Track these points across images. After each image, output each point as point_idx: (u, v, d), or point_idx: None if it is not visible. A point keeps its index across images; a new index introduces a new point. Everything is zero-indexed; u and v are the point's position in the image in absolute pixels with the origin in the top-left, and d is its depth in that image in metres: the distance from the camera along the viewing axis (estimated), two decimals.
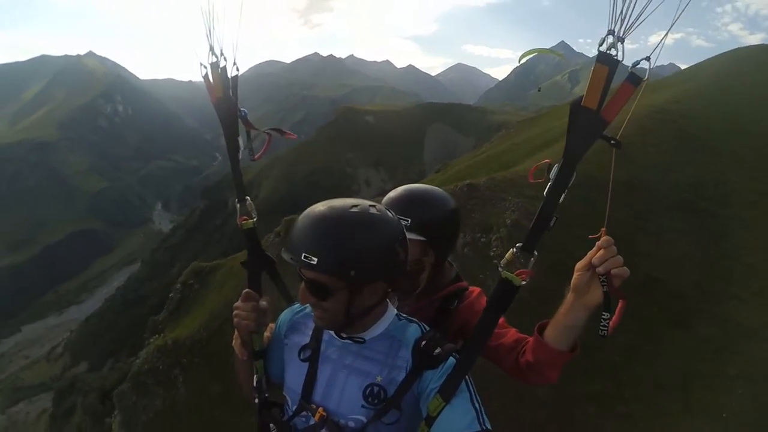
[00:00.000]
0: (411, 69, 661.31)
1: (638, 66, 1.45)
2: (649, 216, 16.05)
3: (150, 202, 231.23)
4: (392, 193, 2.41)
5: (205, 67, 2.10)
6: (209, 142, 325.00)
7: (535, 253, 1.70)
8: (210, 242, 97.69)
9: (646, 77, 1.44)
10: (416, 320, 2.00)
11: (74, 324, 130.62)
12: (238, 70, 2.08)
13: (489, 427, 1.71)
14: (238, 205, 2.19)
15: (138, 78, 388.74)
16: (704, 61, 43.34)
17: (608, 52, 1.45)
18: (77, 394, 73.57)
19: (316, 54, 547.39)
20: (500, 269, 1.75)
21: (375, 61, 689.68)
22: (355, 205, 1.75)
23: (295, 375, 2.04)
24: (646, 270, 13.29)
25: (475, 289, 2.52)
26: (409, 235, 2.03)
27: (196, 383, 21.21)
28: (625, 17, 1.44)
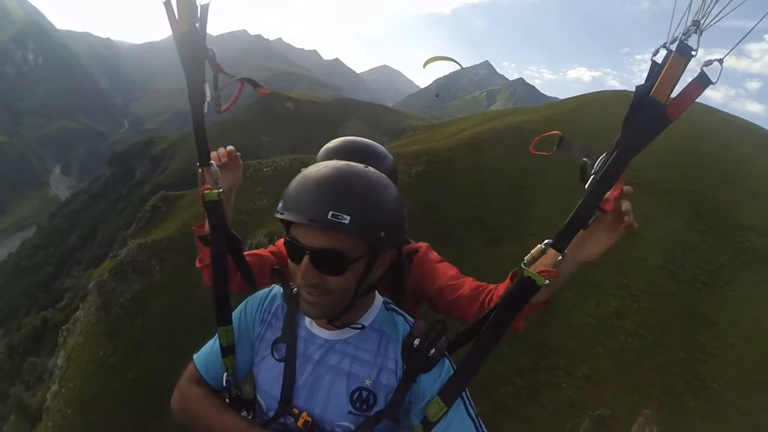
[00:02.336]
0: (337, 63, 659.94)
1: (710, 67, 1.31)
2: None
3: (49, 164, 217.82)
4: (335, 145, 2.32)
5: None
6: (119, 107, 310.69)
7: (565, 252, 1.59)
8: (113, 212, 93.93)
9: (716, 80, 1.32)
10: (400, 310, 1.85)
11: None
12: None
13: None
14: (200, 171, 1.86)
15: (55, 27, 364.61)
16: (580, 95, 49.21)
17: (687, 43, 1.34)
18: None
19: (244, 31, 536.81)
20: (523, 265, 1.63)
21: (302, 49, 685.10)
22: (363, 166, 1.63)
23: (269, 376, 1.81)
24: None
25: (422, 245, 2.43)
26: None
27: (172, 270, 25.28)
28: (708, 7, 1.34)
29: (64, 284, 63.41)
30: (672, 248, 21.82)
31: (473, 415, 1.64)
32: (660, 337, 18.07)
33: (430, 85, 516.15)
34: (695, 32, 1.35)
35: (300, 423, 1.68)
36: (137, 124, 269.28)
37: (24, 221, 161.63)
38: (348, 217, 1.44)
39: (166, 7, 1.66)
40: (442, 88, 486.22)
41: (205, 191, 1.82)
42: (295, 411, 1.70)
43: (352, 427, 1.68)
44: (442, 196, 25.49)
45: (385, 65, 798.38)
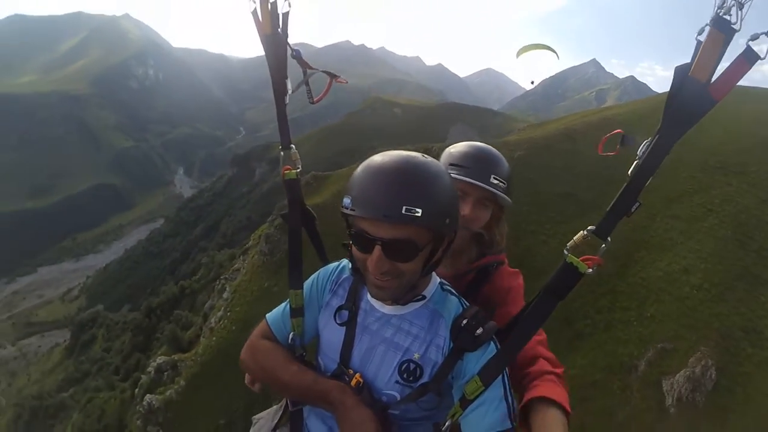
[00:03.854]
0: (439, 68, 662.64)
1: (757, 40, 1.24)
2: None
3: (172, 166, 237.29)
4: (474, 153, 2.27)
5: (254, 2, 1.88)
6: (234, 115, 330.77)
7: (609, 240, 1.55)
8: (234, 207, 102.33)
9: (765, 56, 1.24)
10: (456, 293, 1.92)
11: (90, 271, 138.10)
12: (290, 5, 1.87)
13: (515, 424, 1.65)
14: (281, 154, 2.05)
15: (171, 45, 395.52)
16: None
17: (725, 17, 1.26)
18: (98, 327, 78.96)
19: (347, 42, 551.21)
20: (565, 252, 1.61)
21: (405, 56, 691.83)
22: (421, 155, 1.68)
23: (331, 339, 1.94)
24: None
25: (510, 269, 2.33)
26: (496, 190, 2.16)
27: (324, 226, 33.21)
28: None
29: (200, 260, 70.37)
30: (743, 222, 23.90)
31: (509, 399, 1.67)
32: (722, 292, 20.50)
33: (536, 86, 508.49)
34: (734, 5, 1.26)
35: (353, 383, 1.78)
36: (253, 130, 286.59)
37: (150, 215, 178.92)
38: (420, 210, 1.51)
39: (253, 16, 1.89)
40: (549, 89, 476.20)
41: (285, 171, 2.03)
42: (351, 372, 1.82)
43: (398, 396, 1.77)
44: (540, 174, 29.01)
45: (488, 68, 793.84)
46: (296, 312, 1.99)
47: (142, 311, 58.37)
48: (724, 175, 26.62)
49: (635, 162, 1.47)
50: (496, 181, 2.15)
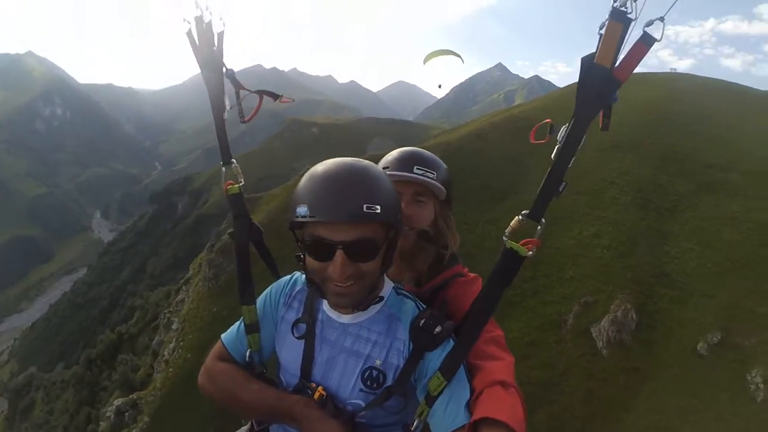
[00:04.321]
0: (353, 84, 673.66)
1: (652, 26, 1.36)
2: None
3: (88, 210, 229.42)
4: (399, 153, 2.24)
5: (189, 23, 1.91)
6: (147, 150, 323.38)
7: (543, 221, 1.60)
8: (159, 245, 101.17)
9: (660, 38, 1.36)
10: (411, 296, 1.91)
11: (16, 332, 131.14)
12: (224, 25, 1.93)
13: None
14: (223, 169, 2.06)
15: (77, 81, 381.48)
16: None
17: (621, 9, 1.37)
18: (35, 390, 76.84)
19: (259, 66, 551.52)
20: (504, 238, 1.64)
21: (318, 76, 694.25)
22: (356, 159, 1.71)
23: (290, 354, 1.93)
24: None
25: (471, 275, 2.21)
26: (425, 178, 2.09)
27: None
28: None
29: (132, 303, 69.29)
30: (641, 188, 27.52)
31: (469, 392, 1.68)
32: (630, 248, 23.79)
33: (447, 93, 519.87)
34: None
35: (316, 396, 1.78)
36: (168, 164, 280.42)
37: (70, 264, 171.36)
38: (379, 207, 1.55)
39: (188, 36, 1.94)
40: (460, 94, 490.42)
41: (228, 186, 2.06)
42: (313, 385, 1.82)
43: (363, 404, 1.78)
44: (456, 172, 32.45)
45: (400, 81, 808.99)
46: (251, 328, 2.02)
47: (81, 364, 56.88)
48: (619, 152, 30.05)
49: (557, 146, 1.55)
50: (421, 171, 2.13)
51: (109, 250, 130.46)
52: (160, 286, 66.62)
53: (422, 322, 1.75)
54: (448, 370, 1.67)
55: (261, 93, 2.10)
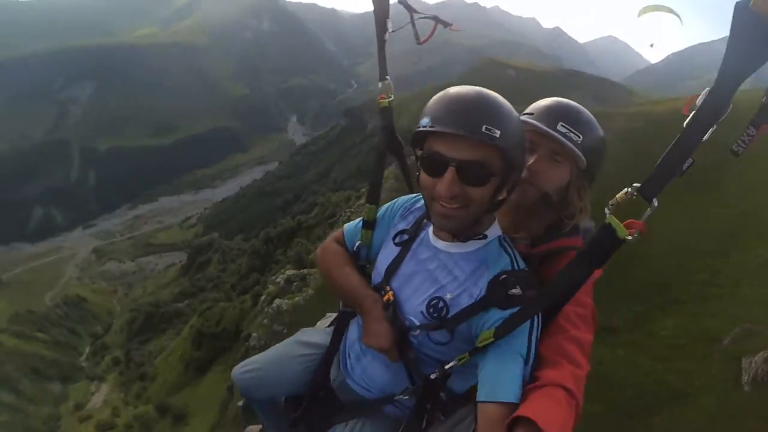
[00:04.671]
0: (557, 31, 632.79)
1: None
2: None
3: (286, 114, 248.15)
4: (549, 102, 2.07)
5: None
6: (346, 68, 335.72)
7: (655, 202, 1.42)
8: (346, 156, 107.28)
9: None
10: (513, 252, 1.84)
11: (207, 203, 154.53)
12: None
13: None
14: (380, 84, 2.19)
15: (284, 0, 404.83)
16: None
17: None
18: (213, 252, 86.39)
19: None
20: (607, 210, 1.50)
21: (520, 17, 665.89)
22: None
23: (384, 256, 2.08)
24: None
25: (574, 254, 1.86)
26: (564, 139, 1.92)
27: None
28: None
29: (314, 200, 74.02)
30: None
31: (526, 356, 1.65)
32: None
33: (661, 60, 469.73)
34: None
35: (385, 298, 1.92)
36: (364, 84, 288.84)
37: (264, 158, 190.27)
38: (498, 132, 1.54)
39: None
40: (676, 65, 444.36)
41: (380, 100, 2.20)
42: (388, 289, 1.94)
43: (417, 323, 1.85)
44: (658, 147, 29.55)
45: (610, 36, 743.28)
46: (367, 225, 2.20)
47: (259, 239, 62.92)
48: None
49: (692, 112, 1.34)
50: (564, 130, 1.94)
51: (300, 152, 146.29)
52: (341, 190, 70.24)
53: (503, 277, 1.73)
54: (501, 330, 1.65)
55: (433, 18, 2.14)
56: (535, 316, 1.69)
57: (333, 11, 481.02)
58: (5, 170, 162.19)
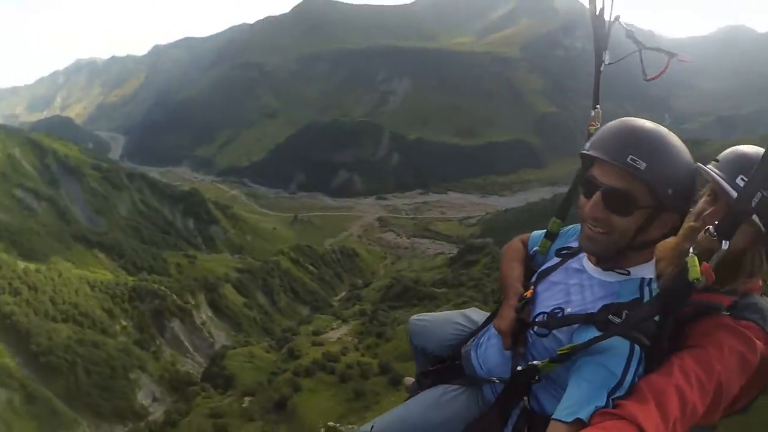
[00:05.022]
0: None
1: None
2: None
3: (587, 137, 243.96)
4: (744, 150, 1.82)
5: None
6: (661, 99, 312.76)
7: (725, 245, 1.43)
8: None
9: None
10: (655, 293, 1.74)
11: (491, 208, 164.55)
12: None
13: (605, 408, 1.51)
14: (592, 112, 2.32)
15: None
16: None
17: None
18: (484, 255, 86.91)
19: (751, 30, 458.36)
20: (691, 250, 1.52)
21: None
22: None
23: (545, 263, 2.30)
24: None
25: (738, 323, 1.68)
26: (745, 199, 1.56)
27: None
28: None
29: None
30: None
31: (615, 381, 1.56)
32: None
33: None
34: None
35: (525, 293, 2.14)
36: (678, 120, 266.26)
37: (556, 178, 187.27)
38: (644, 165, 1.56)
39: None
40: None
41: (590, 126, 2.23)
42: (532, 288, 2.14)
43: (537, 320, 1.94)
44: None
45: None
46: (549, 235, 2.37)
47: None
48: None
49: None
50: (743, 184, 1.63)
51: None
52: None
53: (616, 303, 1.73)
54: (580, 347, 1.66)
55: (662, 52, 2.09)
56: (637, 347, 1.60)
57: (651, 33, 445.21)
58: (325, 138, 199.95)
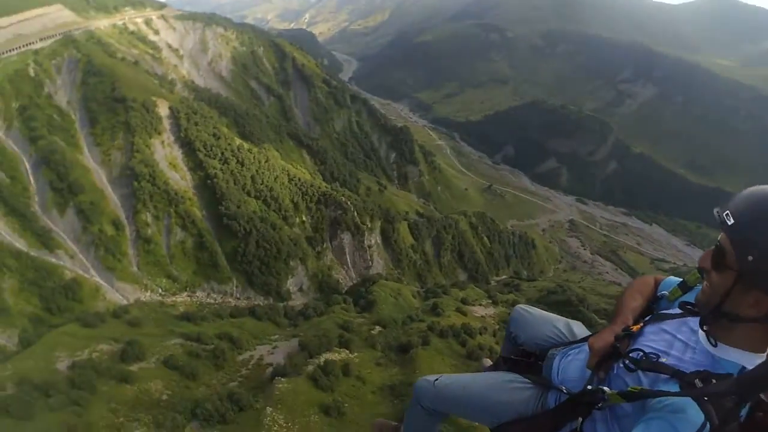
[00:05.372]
0: None
1: None
2: None
3: None
4: None
5: None
6: None
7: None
8: None
9: None
10: (745, 380, 1.69)
11: (692, 262, 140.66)
12: None
13: None
14: None
15: None
16: None
17: None
18: None
19: None
20: None
21: None
22: None
23: (667, 308, 2.35)
24: None
25: None
26: None
27: None
28: None
29: None
30: None
31: None
32: None
33: None
34: None
35: (633, 327, 2.21)
36: None
37: None
38: (733, 221, 1.59)
39: None
40: None
41: None
42: (641, 324, 2.24)
43: (637, 357, 2.02)
44: None
45: None
46: (683, 286, 2.38)
47: None
48: None
49: None
50: None
51: None
52: None
53: (708, 374, 1.77)
54: (649, 393, 1.79)
55: None
56: (708, 424, 1.62)
57: None
58: (547, 120, 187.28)
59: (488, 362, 3.66)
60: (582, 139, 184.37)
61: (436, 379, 2.94)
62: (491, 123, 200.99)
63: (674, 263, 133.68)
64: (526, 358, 2.89)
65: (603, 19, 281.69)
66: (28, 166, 68.64)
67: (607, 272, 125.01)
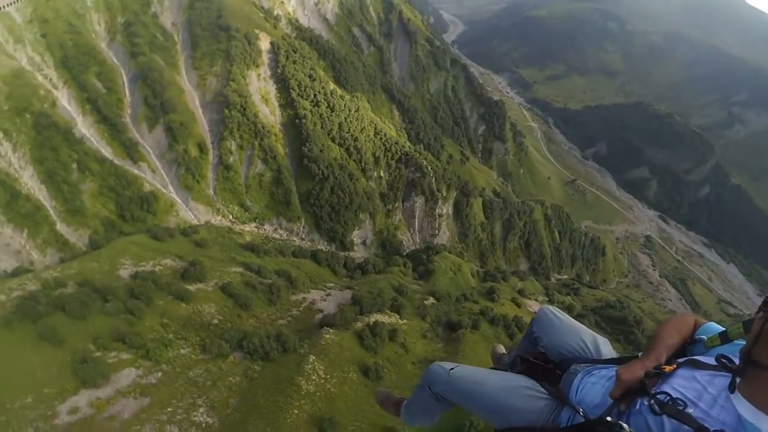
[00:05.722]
0: None
1: None
2: None
3: None
4: None
5: None
6: None
7: None
8: None
9: None
10: None
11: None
12: None
13: None
14: None
15: None
16: None
17: None
18: None
19: None
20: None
21: None
22: None
23: (703, 355, 2.27)
24: None
25: None
26: None
27: None
28: None
29: None
30: None
31: None
32: None
33: None
34: None
35: (666, 368, 2.17)
36: None
37: None
38: None
39: None
40: None
41: None
42: (675, 366, 2.18)
43: (664, 401, 2.01)
44: None
45: None
46: (723, 336, 2.33)
47: None
48: None
49: None
50: None
51: None
52: None
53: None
54: None
55: None
56: None
57: None
58: (651, 126, 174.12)
59: (501, 348, 3.69)
60: (681, 154, 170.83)
61: (452, 368, 2.90)
62: (590, 115, 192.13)
63: (740, 310, 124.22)
64: (545, 363, 2.84)
65: (733, 33, 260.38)
66: (125, 80, 71.73)
67: (671, 300, 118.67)
